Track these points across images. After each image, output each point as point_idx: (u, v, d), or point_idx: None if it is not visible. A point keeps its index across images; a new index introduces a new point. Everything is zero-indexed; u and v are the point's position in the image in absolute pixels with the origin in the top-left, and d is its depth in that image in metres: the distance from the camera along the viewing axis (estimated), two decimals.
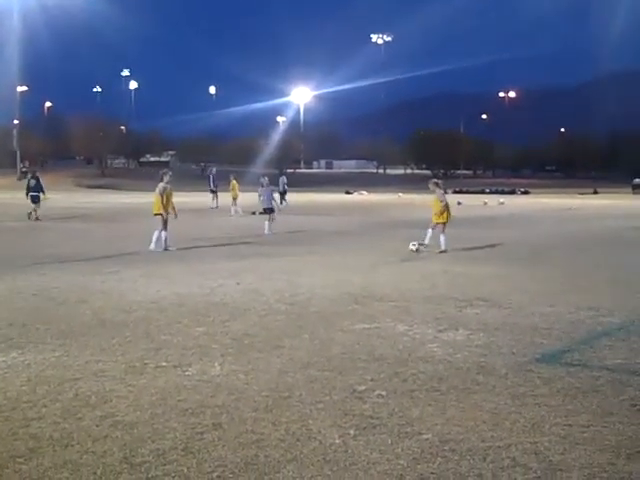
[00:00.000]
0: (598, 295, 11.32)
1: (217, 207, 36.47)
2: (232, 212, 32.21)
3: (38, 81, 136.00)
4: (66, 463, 4.77)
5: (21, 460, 4.80)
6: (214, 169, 40.71)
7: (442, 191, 18.19)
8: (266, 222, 22.29)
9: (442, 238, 17.40)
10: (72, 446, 5.04)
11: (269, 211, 22.51)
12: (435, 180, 19.06)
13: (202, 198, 42.82)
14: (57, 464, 4.75)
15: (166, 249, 17.39)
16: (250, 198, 32.20)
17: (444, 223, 17.65)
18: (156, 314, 9.65)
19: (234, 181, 34.69)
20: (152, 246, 17.37)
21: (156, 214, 17.92)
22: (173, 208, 18.04)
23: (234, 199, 33.29)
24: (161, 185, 17.89)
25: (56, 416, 5.64)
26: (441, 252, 17.04)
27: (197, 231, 22.64)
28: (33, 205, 28.95)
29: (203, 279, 12.73)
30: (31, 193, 29.25)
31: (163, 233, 17.60)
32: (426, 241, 17.46)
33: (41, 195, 29.36)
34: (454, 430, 5.36)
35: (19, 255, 16.48)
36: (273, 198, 23.08)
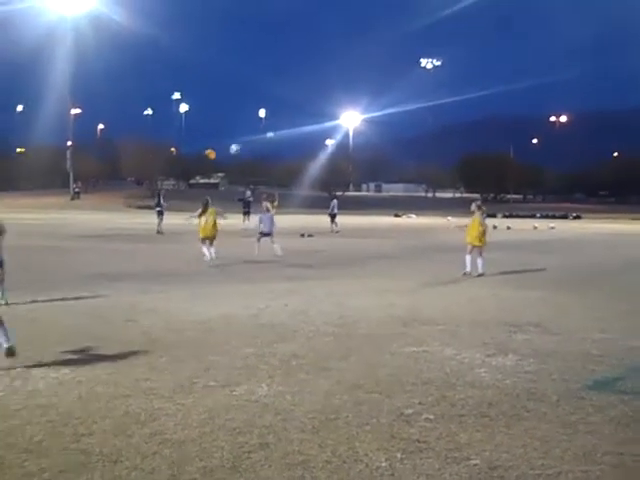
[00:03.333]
0: None
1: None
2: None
3: (91, 104, 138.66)
4: (115, 479, 4.82)
5: (71, 475, 4.87)
6: (248, 192, 41.81)
7: (483, 215, 17.86)
8: (275, 245, 21.88)
9: (480, 262, 17.23)
10: (121, 462, 5.09)
11: (267, 235, 22.43)
12: (478, 203, 18.46)
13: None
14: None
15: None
16: (296, 220, 32.19)
17: (481, 247, 17.45)
18: (204, 334, 9.72)
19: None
20: (206, 258, 18.97)
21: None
22: (212, 227, 19.62)
23: None
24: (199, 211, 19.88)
25: (106, 432, 5.71)
26: (479, 275, 16.88)
27: (243, 252, 22.74)
28: (157, 220, 33.24)
29: (250, 300, 12.79)
30: (157, 209, 33.80)
31: (205, 249, 19.26)
32: (468, 269, 17.20)
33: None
34: (503, 457, 5.28)
35: (70, 274, 16.76)
36: (273, 223, 23.06)
